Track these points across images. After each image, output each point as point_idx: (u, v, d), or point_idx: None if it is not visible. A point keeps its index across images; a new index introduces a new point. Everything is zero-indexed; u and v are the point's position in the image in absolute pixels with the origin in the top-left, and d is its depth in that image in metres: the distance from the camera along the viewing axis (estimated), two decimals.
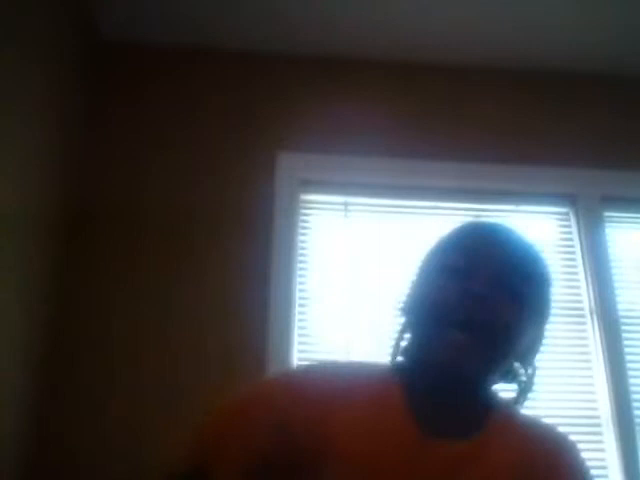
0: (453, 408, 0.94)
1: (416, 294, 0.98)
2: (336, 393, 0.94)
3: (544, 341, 1.01)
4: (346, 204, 2.29)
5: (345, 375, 0.99)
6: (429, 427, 0.92)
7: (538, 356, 1.01)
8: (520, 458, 0.92)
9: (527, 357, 0.98)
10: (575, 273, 2.26)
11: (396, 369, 0.98)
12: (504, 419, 0.97)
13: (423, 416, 0.93)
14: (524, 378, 0.99)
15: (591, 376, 2.12)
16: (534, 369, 1.00)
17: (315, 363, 1.33)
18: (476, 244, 0.96)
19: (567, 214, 2.35)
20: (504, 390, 1.01)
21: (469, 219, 2.27)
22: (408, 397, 0.94)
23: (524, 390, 0.99)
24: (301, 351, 2.05)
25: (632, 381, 2.10)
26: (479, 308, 0.89)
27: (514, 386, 1.00)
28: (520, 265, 0.95)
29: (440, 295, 0.92)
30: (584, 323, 2.19)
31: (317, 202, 2.28)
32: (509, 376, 0.98)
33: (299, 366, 1.22)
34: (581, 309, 2.20)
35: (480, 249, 0.95)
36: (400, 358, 1.00)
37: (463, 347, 0.88)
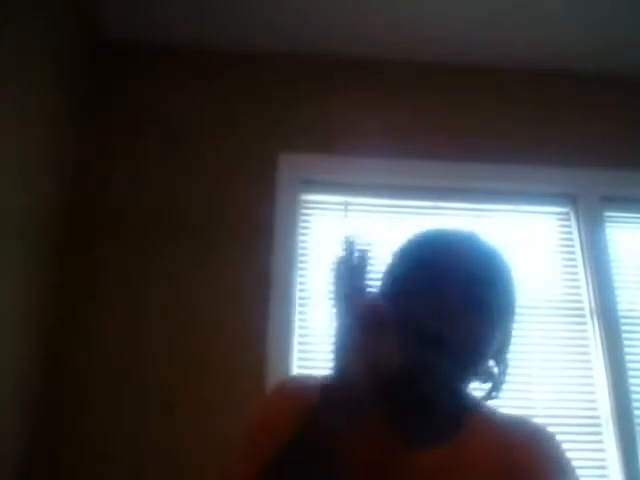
0: (430, 415, 0.94)
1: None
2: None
3: (513, 337, 1.02)
4: (346, 204, 2.29)
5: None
6: (407, 436, 0.93)
7: (509, 352, 1.01)
8: (499, 458, 0.93)
9: (499, 356, 0.99)
10: (575, 273, 2.26)
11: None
12: (481, 419, 0.97)
13: (401, 425, 0.94)
14: (497, 374, 1.00)
15: (591, 376, 2.12)
16: (506, 365, 1.01)
17: (299, 376, 1.29)
18: (438, 258, 0.95)
19: (567, 214, 2.35)
20: (478, 388, 1.02)
21: (468, 220, 2.29)
22: (386, 407, 0.95)
23: (496, 386, 1.00)
24: (301, 351, 2.05)
25: (632, 381, 2.10)
26: (447, 328, 0.89)
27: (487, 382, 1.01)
28: (484, 275, 0.94)
29: (405, 315, 0.89)
30: (584, 323, 2.19)
31: (317, 202, 2.29)
32: (482, 376, 0.99)
33: (294, 379, 1.20)
34: (581, 309, 2.21)
35: (443, 263, 0.94)
36: None
37: (433, 368, 0.88)
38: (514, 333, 1.01)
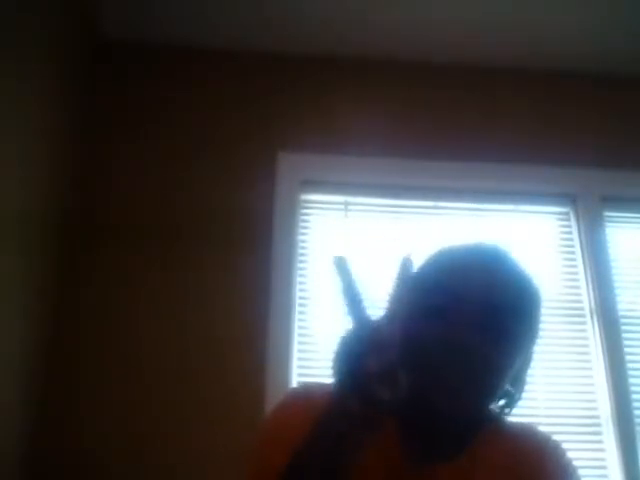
0: (443, 433, 0.92)
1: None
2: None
3: (532, 360, 0.97)
4: (346, 204, 2.29)
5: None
6: (420, 452, 0.91)
7: (528, 372, 0.98)
8: (509, 470, 0.91)
9: (518, 379, 0.96)
10: (575, 273, 2.26)
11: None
12: (492, 432, 0.95)
13: (414, 442, 0.92)
14: (512, 393, 0.97)
15: (591, 376, 2.12)
16: (523, 384, 0.97)
17: (305, 385, 1.23)
18: (457, 281, 0.90)
19: (567, 214, 2.35)
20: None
21: (468, 220, 2.28)
22: (399, 425, 0.93)
23: (511, 403, 0.97)
24: (301, 351, 2.05)
25: (632, 381, 2.10)
26: (466, 358, 0.85)
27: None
28: (504, 301, 0.89)
29: (423, 345, 0.86)
30: (584, 323, 2.19)
31: (317, 202, 2.28)
32: (500, 396, 0.96)
33: (301, 389, 1.13)
34: (581, 309, 2.21)
35: (462, 287, 0.89)
36: None
37: (453, 395, 0.85)
38: (534, 353, 0.97)
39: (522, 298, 0.92)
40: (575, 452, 2.07)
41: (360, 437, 0.77)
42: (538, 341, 0.96)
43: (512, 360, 0.90)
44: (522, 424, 1.00)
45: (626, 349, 2.14)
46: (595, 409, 2.08)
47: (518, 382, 0.96)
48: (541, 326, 0.95)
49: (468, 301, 0.88)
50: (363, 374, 0.71)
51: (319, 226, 2.25)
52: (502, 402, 0.97)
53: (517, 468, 0.91)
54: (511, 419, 1.00)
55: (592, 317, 2.18)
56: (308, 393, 0.98)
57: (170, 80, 2.37)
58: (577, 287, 2.24)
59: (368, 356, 0.71)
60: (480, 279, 0.90)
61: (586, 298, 2.21)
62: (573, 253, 2.29)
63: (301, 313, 2.10)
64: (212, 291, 2.08)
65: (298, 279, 2.14)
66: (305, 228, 2.23)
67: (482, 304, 0.88)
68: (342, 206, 2.29)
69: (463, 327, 0.86)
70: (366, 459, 0.87)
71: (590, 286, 2.22)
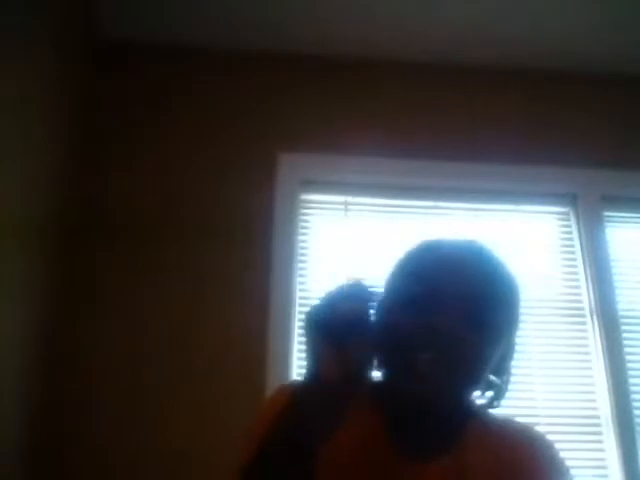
0: (429, 427, 0.92)
1: (379, 324, 0.92)
2: None
3: (516, 349, 0.99)
4: (346, 204, 2.29)
5: None
6: (407, 448, 0.92)
7: (511, 363, 0.99)
8: (499, 465, 0.92)
9: (501, 368, 0.96)
10: (575, 273, 2.26)
11: (371, 388, 0.96)
12: (480, 427, 0.96)
13: (401, 437, 0.93)
14: (499, 384, 0.97)
15: (591, 376, 2.12)
16: (509, 375, 0.98)
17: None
18: (438, 271, 0.92)
19: (567, 214, 2.35)
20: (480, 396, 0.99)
21: (468, 220, 2.29)
22: (383, 418, 0.94)
23: (498, 395, 0.98)
24: (301, 351, 2.05)
25: (632, 381, 2.10)
26: (446, 345, 0.86)
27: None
28: (483, 289, 0.91)
29: (403, 331, 0.88)
30: (584, 323, 2.19)
31: (317, 202, 2.29)
32: (484, 387, 0.96)
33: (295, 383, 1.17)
34: (581, 309, 2.21)
35: (440, 276, 0.91)
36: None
37: (432, 381, 0.86)
38: (517, 344, 0.98)
39: (500, 288, 0.93)
40: (575, 452, 2.08)
41: (334, 408, 0.80)
42: (520, 332, 0.98)
43: (491, 349, 0.90)
44: (513, 420, 1.01)
45: (626, 349, 2.14)
46: (595, 409, 2.08)
47: (502, 372, 0.97)
48: (522, 316, 0.97)
49: (446, 291, 0.89)
50: (340, 327, 0.78)
51: (319, 226, 2.25)
52: (490, 394, 0.98)
53: (507, 462, 0.92)
54: (502, 414, 1.00)
55: (592, 317, 2.18)
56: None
57: (170, 80, 2.37)
58: (577, 287, 2.24)
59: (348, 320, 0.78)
60: (460, 269, 0.92)
61: (586, 298, 2.21)
62: (573, 253, 2.29)
63: (301, 313, 2.10)
64: (212, 291, 2.08)
65: (298, 279, 2.14)
66: (305, 228, 2.23)
67: (462, 293, 0.89)
68: (342, 206, 2.29)
69: (442, 316, 0.87)
70: (355, 461, 0.89)
71: (590, 286, 2.22)
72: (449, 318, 0.87)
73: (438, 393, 0.87)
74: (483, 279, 0.92)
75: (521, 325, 0.97)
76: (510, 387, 0.99)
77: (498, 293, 0.92)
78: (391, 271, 0.99)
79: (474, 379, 0.91)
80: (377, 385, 0.96)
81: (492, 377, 0.96)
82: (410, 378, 0.87)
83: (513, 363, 0.99)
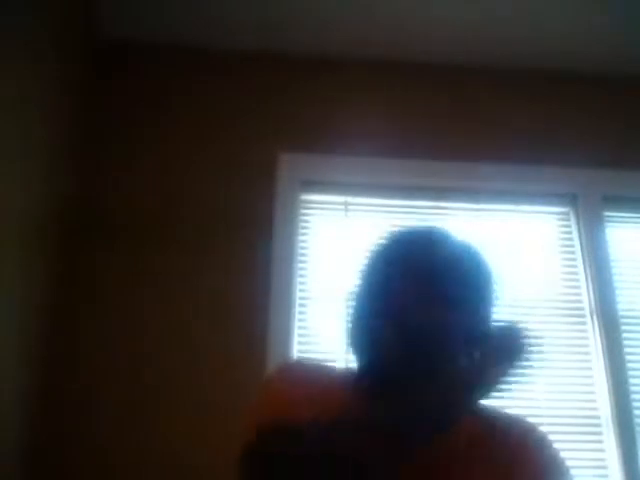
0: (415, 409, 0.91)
1: (356, 317, 1.00)
2: (314, 398, 0.95)
3: (491, 327, 1.01)
4: (346, 204, 2.29)
5: (324, 381, 1.01)
6: (398, 435, 0.90)
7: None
8: (496, 466, 0.92)
9: (477, 344, 0.95)
10: (575, 273, 2.26)
11: (364, 377, 0.98)
12: (474, 417, 0.96)
13: (391, 425, 0.91)
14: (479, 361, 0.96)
15: (591, 376, 2.12)
16: (492, 355, 0.96)
17: (301, 360, 1.35)
18: (409, 261, 0.98)
19: (567, 214, 2.35)
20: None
21: (468, 220, 2.28)
22: (376, 405, 0.94)
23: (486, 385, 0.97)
24: (301, 351, 2.05)
25: (632, 381, 2.10)
26: (419, 343, 0.90)
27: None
28: (444, 267, 0.96)
29: (376, 336, 0.93)
30: (584, 323, 2.19)
31: (318, 202, 2.29)
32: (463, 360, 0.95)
33: (295, 364, 1.24)
34: (581, 309, 2.21)
35: (402, 259, 0.98)
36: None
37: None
38: (492, 322, 1.00)
39: (463, 265, 0.99)
40: (575, 452, 2.08)
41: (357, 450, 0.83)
42: (493, 306, 1.01)
43: (458, 321, 0.93)
44: (509, 414, 1.01)
45: (626, 349, 2.14)
46: (595, 409, 2.08)
47: (480, 344, 0.96)
48: (489, 288, 1.01)
49: (410, 271, 0.96)
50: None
51: (319, 226, 2.25)
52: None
53: (501, 451, 0.93)
54: (507, 412, 1.00)
55: (592, 317, 2.18)
56: (304, 366, 1.10)
57: (170, 80, 2.37)
58: (577, 287, 2.24)
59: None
60: (421, 251, 0.99)
61: (586, 298, 2.21)
62: (573, 253, 2.29)
63: (301, 313, 2.10)
64: (212, 291, 2.08)
65: (298, 279, 2.14)
66: (305, 228, 2.23)
67: (424, 272, 0.95)
68: (342, 206, 2.29)
69: (403, 294, 0.93)
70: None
71: (590, 286, 2.22)
72: (408, 295, 0.93)
73: (410, 362, 0.90)
74: (442, 257, 0.98)
75: (493, 301, 1.01)
76: (509, 387, 0.98)
77: (460, 270, 0.98)
78: (365, 267, 1.06)
79: (443, 348, 0.92)
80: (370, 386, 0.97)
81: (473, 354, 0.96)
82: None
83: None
